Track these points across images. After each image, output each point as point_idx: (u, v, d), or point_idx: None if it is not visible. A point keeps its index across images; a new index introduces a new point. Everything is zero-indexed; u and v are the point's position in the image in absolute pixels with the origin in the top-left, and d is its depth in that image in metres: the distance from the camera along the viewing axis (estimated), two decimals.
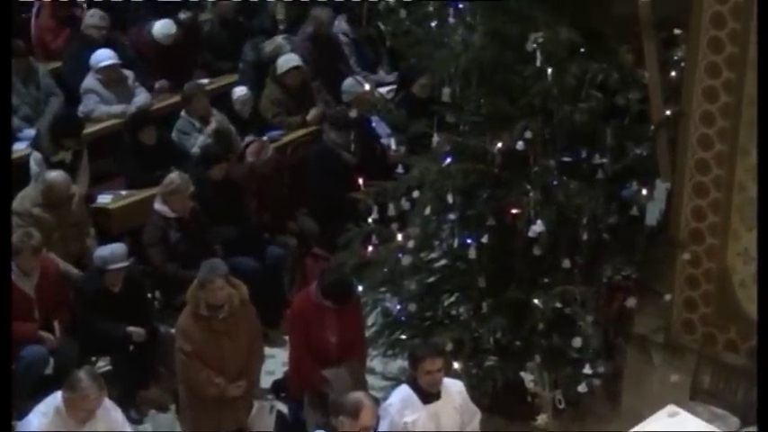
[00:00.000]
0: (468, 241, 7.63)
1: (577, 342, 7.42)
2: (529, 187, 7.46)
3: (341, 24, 12.16)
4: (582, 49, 7.40)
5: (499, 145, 7.46)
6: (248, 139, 10.34)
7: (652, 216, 7.94)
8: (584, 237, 7.43)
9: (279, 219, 9.97)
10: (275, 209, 9.93)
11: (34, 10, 11.61)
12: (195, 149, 10.24)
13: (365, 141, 10.22)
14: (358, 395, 6.48)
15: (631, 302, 7.65)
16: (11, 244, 7.77)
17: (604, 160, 7.53)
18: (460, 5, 7.75)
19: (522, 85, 7.41)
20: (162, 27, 11.30)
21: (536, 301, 7.43)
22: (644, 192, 7.69)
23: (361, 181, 8.26)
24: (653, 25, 7.23)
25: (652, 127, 7.49)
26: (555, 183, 7.50)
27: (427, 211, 7.71)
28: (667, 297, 7.70)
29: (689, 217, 7.59)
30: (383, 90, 11.39)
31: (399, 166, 8.12)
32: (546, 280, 7.58)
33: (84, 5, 11.78)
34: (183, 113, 10.55)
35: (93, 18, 11.05)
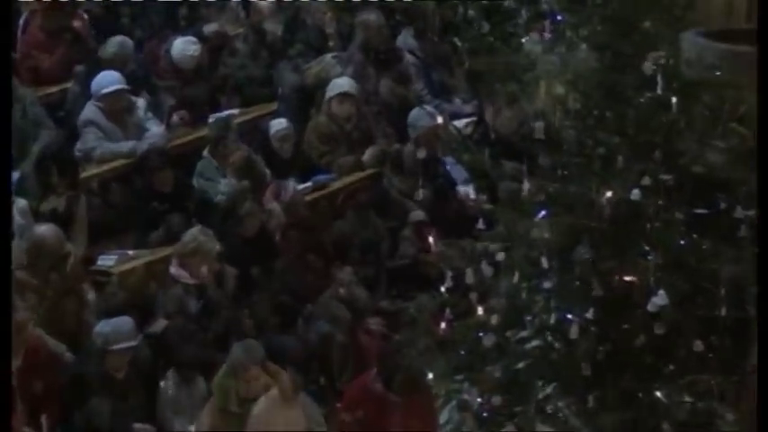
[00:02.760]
0: (569, 317, 7.52)
1: None
2: (648, 248, 7.33)
3: (407, 39, 12.38)
4: (717, 72, 7.35)
5: (608, 194, 7.35)
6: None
7: None
8: (723, 311, 7.34)
9: (317, 283, 10.03)
10: (312, 268, 10.06)
11: (21, 22, 11.95)
12: (221, 197, 10.36)
13: (436, 189, 10.42)
14: None
15: None
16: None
17: (749, 213, 7.48)
18: (559, 17, 7.78)
19: (639, 117, 7.35)
20: (183, 47, 11.53)
21: (659, 393, 7.32)
22: None
23: (431, 239, 8.53)
24: None
25: None
26: (682, 242, 7.38)
27: (515, 278, 7.66)
28: None
29: None
30: (459, 123, 11.54)
31: (480, 220, 8.09)
32: (672, 367, 7.45)
33: (85, 16, 12.12)
34: (206, 153, 10.72)
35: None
